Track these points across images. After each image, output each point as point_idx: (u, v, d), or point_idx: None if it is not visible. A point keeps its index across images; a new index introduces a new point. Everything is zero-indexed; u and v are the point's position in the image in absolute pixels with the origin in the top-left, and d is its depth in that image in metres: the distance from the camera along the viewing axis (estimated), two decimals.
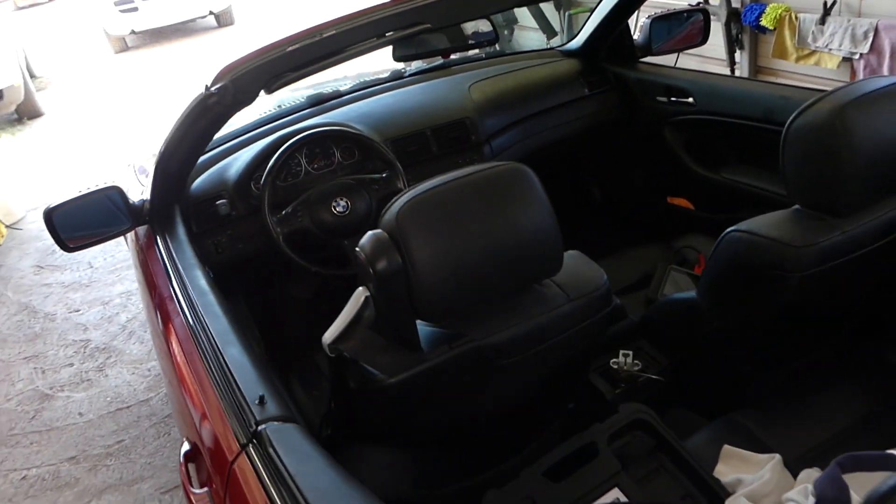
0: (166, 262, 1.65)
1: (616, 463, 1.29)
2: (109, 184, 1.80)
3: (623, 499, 1.25)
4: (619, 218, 2.77)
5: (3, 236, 4.59)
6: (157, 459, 2.51)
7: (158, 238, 1.77)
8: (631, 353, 1.69)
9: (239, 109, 1.54)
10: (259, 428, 1.03)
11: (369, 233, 1.14)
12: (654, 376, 1.68)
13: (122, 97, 7.96)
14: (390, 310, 1.14)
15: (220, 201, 1.97)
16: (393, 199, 1.16)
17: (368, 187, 1.97)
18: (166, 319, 1.54)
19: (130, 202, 1.81)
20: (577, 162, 2.77)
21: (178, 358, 1.40)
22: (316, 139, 1.99)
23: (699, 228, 2.42)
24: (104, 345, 3.25)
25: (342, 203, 1.92)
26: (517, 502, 1.31)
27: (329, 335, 1.16)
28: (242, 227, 2.02)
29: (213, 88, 1.46)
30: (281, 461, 0.95)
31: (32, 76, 8.05)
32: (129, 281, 3.78)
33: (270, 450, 0.98)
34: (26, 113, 7.36)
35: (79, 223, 1.78)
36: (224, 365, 1.20)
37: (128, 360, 3.10)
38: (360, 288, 1.15)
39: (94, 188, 1.77)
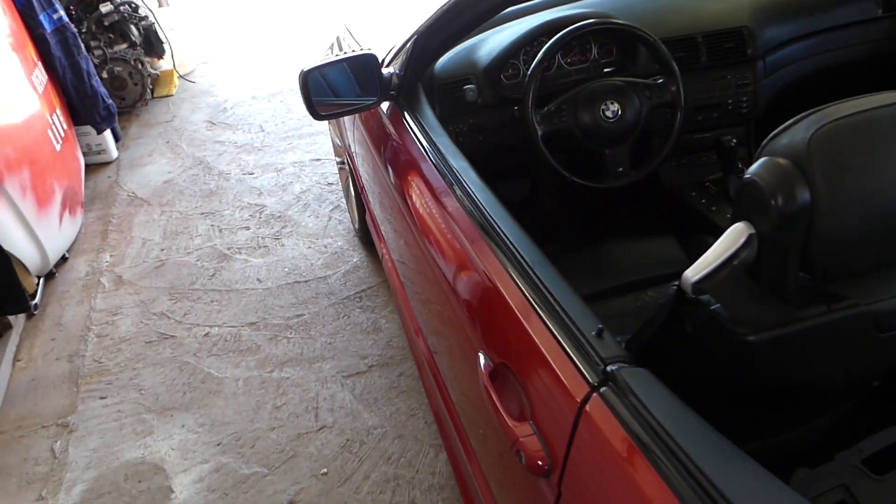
0: (425, 145, 1.48)
1: None
2: (365, 50, 1.63)
3: None
4: None
5: (175, 86, 4.61)
6: (337, 341, 2.46)
7: (408, 117, 1.61)
8: None
9: None
10: (609, 368, 0.88)
11: (765, 159, 0.93)
12: None
13: None
14: (776, 255, 0.93)
15: (468, 86, 1.79)
16: (795, 119, 0.93)
17: (640, 93, 1.72)
18: (432, 206, 1.40)
19: (384, 74, 1.64)
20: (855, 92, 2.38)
21: (460, 248, 1.25)
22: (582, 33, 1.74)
23: None
24: (279, 213, 3.21)
25: (612, 107, 1.69)
26: (830, 489, 1.12)
27: (694, 272, 0.96)
28: (485, 118, 1.84)
29: None
30: (643, 406, 0.81)
31: None
32: (300, 151, 3.71)
33: (631, 397, 0.83)
34: None
35: (328, 89, 1.64)
36: (537, 278, 1.05)
37: (303, 233, 3.05)
38: (741, 223, 0.95)
39: (350, 53, 1.61)
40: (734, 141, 1.88)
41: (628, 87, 1.72)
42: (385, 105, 1.73)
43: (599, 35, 1.81)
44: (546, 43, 1.78)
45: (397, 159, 1.68)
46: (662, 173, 2.06)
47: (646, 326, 1.20)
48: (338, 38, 2.66)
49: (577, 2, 2.00)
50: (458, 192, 1.31)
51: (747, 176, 0.93)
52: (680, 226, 1.96)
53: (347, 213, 3.09)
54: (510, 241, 1.15)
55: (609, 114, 1.68)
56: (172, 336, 2.56)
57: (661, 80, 1.74)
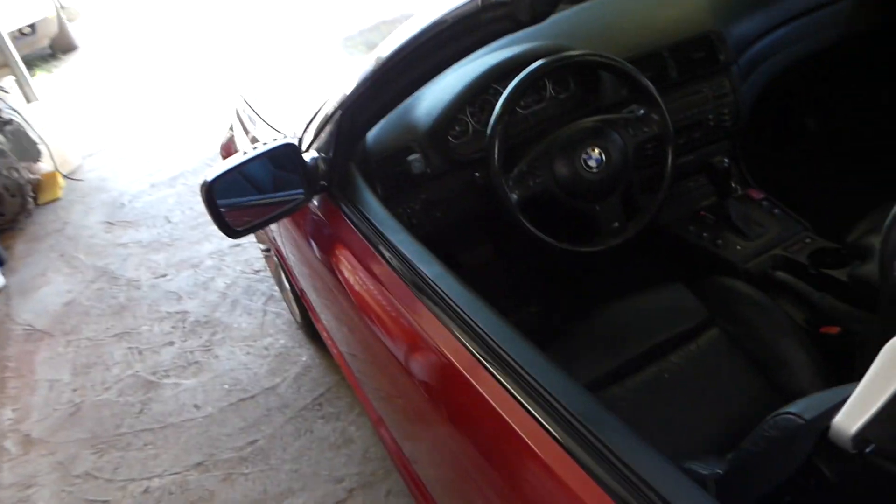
0: (372, 239, 1.17)
1: None
2: (280, 140, 1.29)
3: None
4: (850, 151, 2.20)
5: (61, 188, 4.12)
6: (304, 466, 2.07)
7: (346, 208, 1.28)
8: None
9: (522, 28, 1.01)
10: None
11: None
12: None
13: (158, 28, 7.34)
14: None
15: (413, 156, 1.47)
16: None
17: (621, 130, 1.44)
18: (393, 315, 1.10)
19: (307, 162, 1.30)
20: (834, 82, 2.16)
21: (448, 376, 0.94)
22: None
23: None
24: (205, 317, 2.80)
25: (594, 154, 1.39)
26: None
27: (849, 419, 0.65)
28: (439, 189, 1.53)
29: None
30: None
31: (61, 7, 7.43)
32: (216, 238, 3.29)
33: None
34: (60, 48, 6.81)
35: (242, 196, 1.29)
36: (575, 420, 0.76)
37: (237, 337, 2.65)
38: None
39: (260, 148, 1.26)
40: (727, 161, 1.62)
41: (606, 126, 1.44)
42: (315, 198, 1.39)
43: (556, 71, 1.52)
44: (497, 91, 1.48)
45: (341, 261, 1.34)
46: None
47: (752, 470, 0.89)
48: (237, 112, 2.31)
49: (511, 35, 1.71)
50: (426, 296, 1.00)
51: None
52: (685, 268, 1.69)
53: (284, 304, 2.71)
54: (536, 380, 0.83)
55: (592, 163, 1.39)
56: (104, 501, 2.12)
57: (641, 112, 1.46)
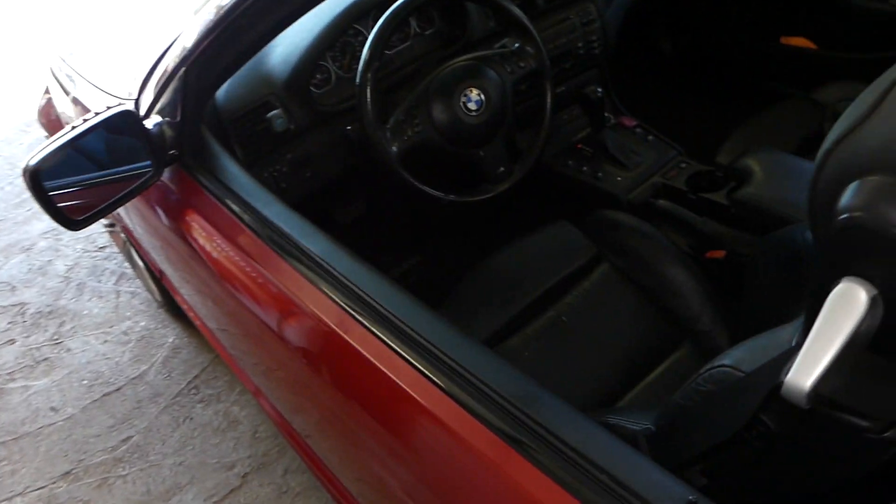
0: (237, 211, 1.05)
1: None
2: (114, 106, 1.09)
3: None
4: (706, 71, 2.23)
5: None
6: (188, 457, 1.91)
7: (203, 179, 1.13)
8: None
9: None
10: None
11: (859, 184, 0.58)
12: None
13: None
14: None
15: (273, 112, 1.32)
16: (859, 106, 0.59)
17: (498, 67, 1.34)
18: (266, 292, 1.00)
19: (150, 131, 1.12)
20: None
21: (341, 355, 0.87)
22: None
23: (828, 74, 1.93)
24: (48, 307, 2.49)
25: (473, 96, 1.29)
26: None
27: (803, 373, 0.61)
28: (307, 146, 1.39)
29: None
30: None
31: None
32: (47, 216, 2.92)
33: None
34: None
35: (77, 176, 1.09)
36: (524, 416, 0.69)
37: (90, 325, 2.38)
38: (849, 282, 0.60)
39: (92, 118, 1.07)
40: (600, 91, 1.58)
41: (481, 63, 1.34)
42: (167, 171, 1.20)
43: (421, 5, 1.39)
44: (358, 31, 1.34)
45: (201, 234, 1.18)
46: None
47: (689, 426, 0.85)
48: (52, 71, 2.00)
49: None
50: (295, 258, 0.92)
51: (843, 216, 0.58)
52: (568, 205, 1.65)
53: (139, 282, 2.46)
54: (417, 332, 0.77)
55: (472, 105, 1.29)
56: None
57: (516, 45, 1.37)
